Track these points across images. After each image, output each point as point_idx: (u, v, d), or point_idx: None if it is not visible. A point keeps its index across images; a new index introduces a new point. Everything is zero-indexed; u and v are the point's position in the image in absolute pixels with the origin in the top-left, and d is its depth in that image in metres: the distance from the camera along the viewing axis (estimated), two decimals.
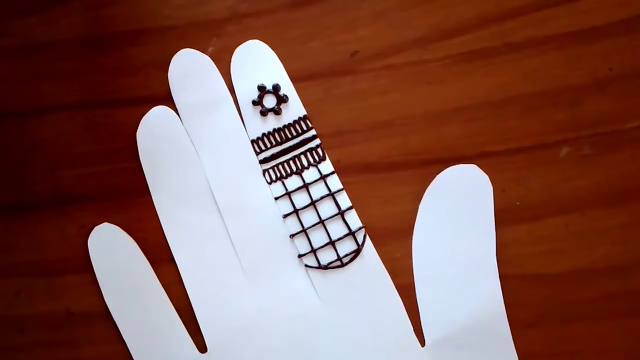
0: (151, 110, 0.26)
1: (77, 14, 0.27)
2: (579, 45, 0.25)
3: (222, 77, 0.26)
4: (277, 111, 0.26)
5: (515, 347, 0.24)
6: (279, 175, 0.25)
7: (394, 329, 0.24)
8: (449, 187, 0.25)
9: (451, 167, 0.25)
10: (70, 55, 0.27)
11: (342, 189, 0.25)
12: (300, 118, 0.26)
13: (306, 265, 0.25)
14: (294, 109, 0.26)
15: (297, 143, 0.26)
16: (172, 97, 0.26)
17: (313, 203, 0.25)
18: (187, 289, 0.25)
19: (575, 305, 0.24)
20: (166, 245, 0.25)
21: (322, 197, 0.25)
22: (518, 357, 0.24)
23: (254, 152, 0.26)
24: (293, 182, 0.25)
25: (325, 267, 0.25)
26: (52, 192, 0.26)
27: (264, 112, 0.26)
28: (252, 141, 0.26)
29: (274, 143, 0.26)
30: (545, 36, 0.25)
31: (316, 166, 0.25)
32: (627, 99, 0.25)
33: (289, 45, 0.26)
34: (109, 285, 0.25)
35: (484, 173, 0.25)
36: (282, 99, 0.26)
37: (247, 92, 0.26)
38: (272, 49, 0.26)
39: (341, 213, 0.25)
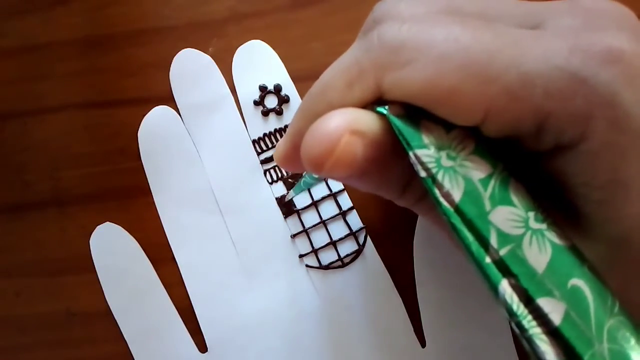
0: (152, 110, 0.26)
1: (78, 14, 0.27)
2: None
3: (223, 77, 0.26)
4: (278, 111, 0.26)
5: (515, 347, 0.24)
6: (280, 175, 0.26)
7: (394, 330, 0.24)
8: None
9: None
10: (70, 56, 0.27)
11: (343, 190, 0.25)
12: None
13: (307, 266, 0.25)
14: (296, 109, 0.26)
15: None
16: (173, 97, 0.26)
17: (314, 203, 0.25)
18: (187, 289, 0.25)
19: None
20: (167, 245, 0.25)
21: (323, 198, 0.25)
22: (518, 357, 0.24)
23: (255, 152, 0.26)
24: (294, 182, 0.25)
25: (326, 267, 0.25)
26: (52, 192, 0.26)
27: (265, 112, 0.26)
28: (254, 141, 0.26)
29: (275, 143, 0.26)
30: None
31: None
32: None
33: (289, 45, 0.26)
34: (111, 285, 0.25)
35: None
36: (283, 99, 0.26)
37: (248, 92, 0.26)
38: (273, 49, 0.26)
39: (342, 213, 0.25)
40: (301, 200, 0.25)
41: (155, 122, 0.26)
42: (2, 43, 0.27)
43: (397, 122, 0.14)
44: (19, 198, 0.26)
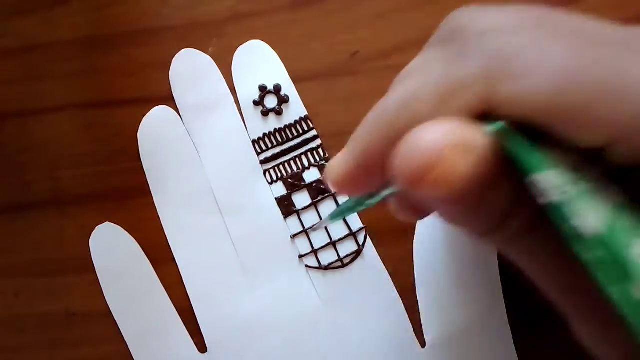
0: (152, 110, 0.26)
1: (78, 14, 0.27)
2: None
3: (223, 77, 0.26)
4: (278, 111, 0.26)
5: (515, 347, 0.24)
6: (280, 175, 0.26)
7: (394, 330, 0.24)
8: None
9: None
10: (70, 56, 0.27)
11: None
12: (301, 118, 0.26)
13: (307, 266, 0.25)
14: (295, 109, 0.26)
15: (298, 143, 0.26)
16: (172, 98, 0.26)
17: (314, 203, 0.25)
18: (187, 289, 0.25)
19: None
20: (167, 246, 0.25)
21: (322, 198, 0.25)
22: (518, 357, 0.24)
23: (254, 153, 0.26)
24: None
25: (326, 268, 0.25)
26: (52, 192, 0.26)
27: (265, 112, 0.26)
28: (253, 141, 0.26)
29: (275, 143, 0.26)
30: None
31: (317, 166, 0.25)
32: None
33: (289, 45, 0.26)
34: (110, 285, 0.25)
35: None
36: (283, 99, 0.26)
37: (248, 92, 0.26)
38: (273, 49, 0.26)
39: None
40: (301, 200, 0.25)
41: (155, 122, 0.26)
42: (2, 43, 0.27)
43: (515, 141, 0.12)
44: (19, 198, 0.26)
